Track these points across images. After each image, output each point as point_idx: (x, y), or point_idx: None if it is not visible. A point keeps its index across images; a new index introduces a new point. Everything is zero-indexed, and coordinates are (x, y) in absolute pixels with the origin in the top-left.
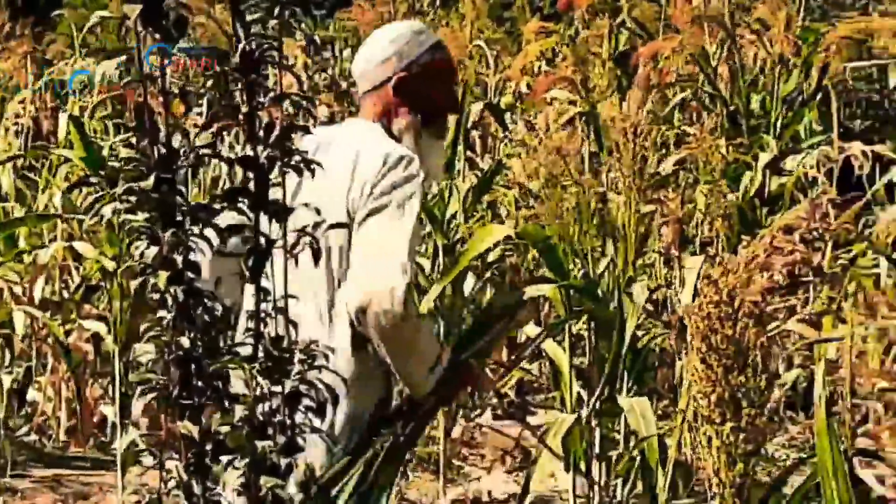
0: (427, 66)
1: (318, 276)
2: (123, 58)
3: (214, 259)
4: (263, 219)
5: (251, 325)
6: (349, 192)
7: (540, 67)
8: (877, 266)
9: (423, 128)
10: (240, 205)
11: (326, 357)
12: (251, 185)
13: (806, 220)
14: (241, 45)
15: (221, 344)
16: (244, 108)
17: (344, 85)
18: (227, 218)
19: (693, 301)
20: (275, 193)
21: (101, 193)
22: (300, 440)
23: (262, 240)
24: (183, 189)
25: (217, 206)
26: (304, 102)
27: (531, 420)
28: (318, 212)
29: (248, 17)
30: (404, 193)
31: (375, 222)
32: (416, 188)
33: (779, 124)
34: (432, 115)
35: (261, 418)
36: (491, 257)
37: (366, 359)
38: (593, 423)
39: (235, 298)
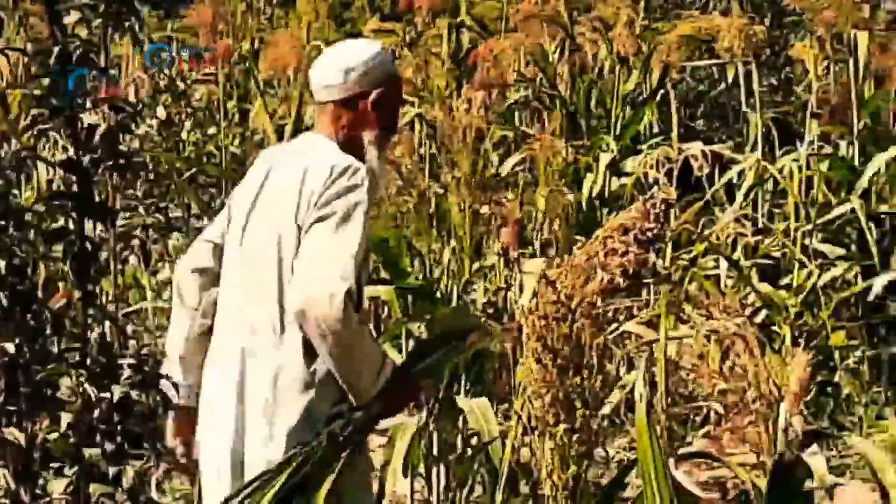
0: (395, 83)
1: (269, 284)
2: None
3: None
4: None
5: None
6: (297, 207)
7: None
8: (717, 267)
9: (383, 141)
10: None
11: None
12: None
13: (640, 221)
14: (56, 48)
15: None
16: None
17: (182, 86)
18: None
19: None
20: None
21: None
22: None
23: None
24: (15, 192)
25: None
26: (127, 107)
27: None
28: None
29: (67, 19)
30: (348, 202)
31: (319, 230)
32: (360, 197)
33: (619, 125)
34: (391, 130)
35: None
36: None
37: (318, 363)
38: (431, 426)
39: None
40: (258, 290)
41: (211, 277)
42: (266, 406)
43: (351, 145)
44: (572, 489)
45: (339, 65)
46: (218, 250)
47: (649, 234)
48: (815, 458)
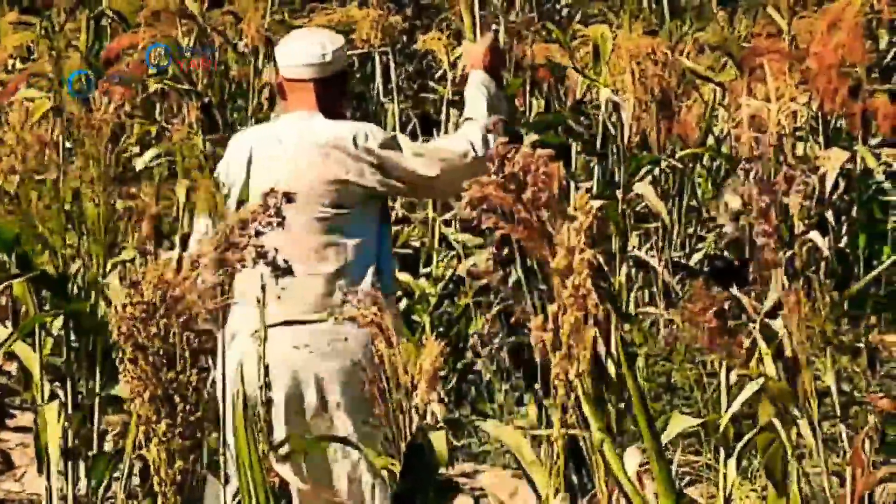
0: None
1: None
2: None
3: None
4: None
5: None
6: (331, 160)
7: (14, 65)
8: None
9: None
10: None
11: None
12: None
13: (259, 214)
14: None
15: None
16: None
17: None
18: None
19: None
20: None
21: None
22: None
23: None
24: None
25: None
26: None
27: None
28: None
29: None
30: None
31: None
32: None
33: (255, 117)
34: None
35: None
36: None
37: None
38: (65, 423)
39: None
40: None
41: None
42: None
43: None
44: (180, 483)
45: (319, 46)
46: None
47: (269, 226)
48: (437, 438)
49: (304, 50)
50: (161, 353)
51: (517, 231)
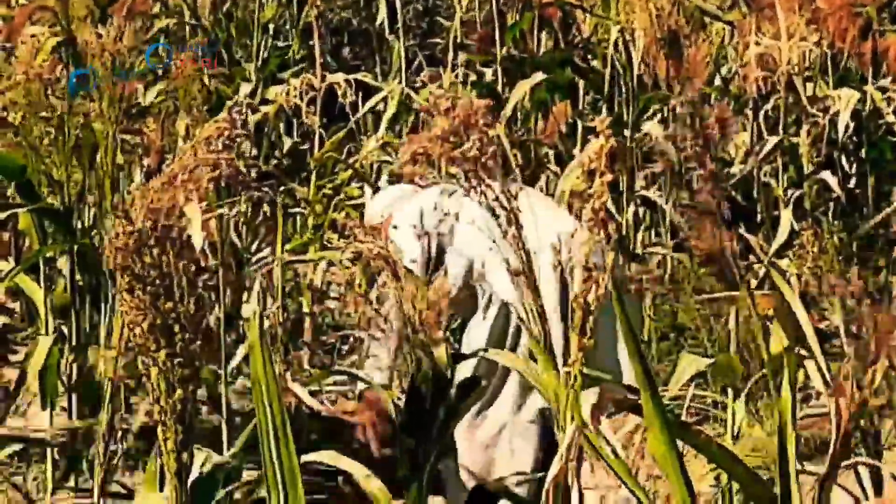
0: None
1: None
2: None
3: None
4: None
5: None
6: None
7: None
8: (362, 194)
9: None
10: None
11: None
12: None
13: (226, 129)
14: None
15: None
16: None
17: None
18: None
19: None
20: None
21: None
22: None
23: None
24: None
25: None
26: None
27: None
28: None
29: None
30: None
31: None
32: None
33: (261, 54)
34: None
35: None
36: None
37: None
38: (70, 357)
39: None
40: None
41: None
42: None
43: None
44: (180, 412)
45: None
46: None
47: (237, 140)
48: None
49: None
50: (158, 282)
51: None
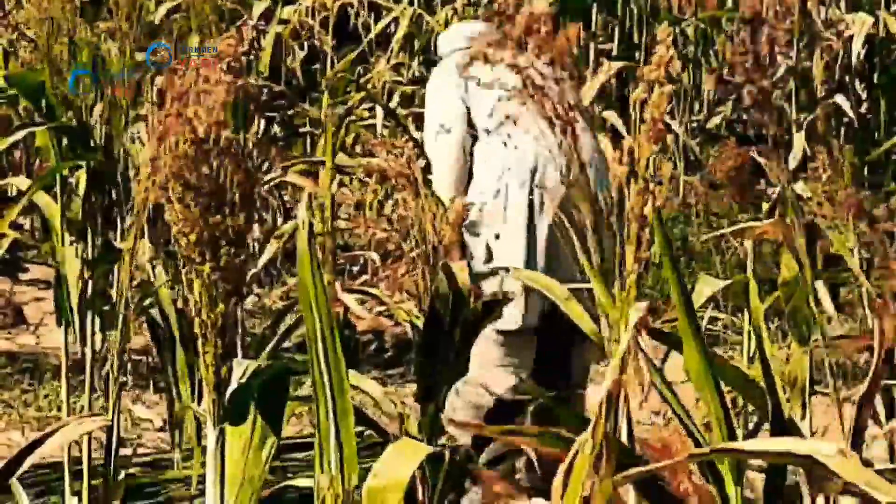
0: None
1: None
2: None
3: None
4: None
5: None
6: None
7: None
8: (373, 116)
9: None
10: None
11: None
12: None
13: (234, 47)
14: None
15: None
16: None
17: None
18: None
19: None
20: None
21: None
22: None
23: None
24: None
25: None
26: None
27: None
28: None
29: None
30: None
31: None
32: None
33: None
34: None
35: None
36: None
37: None
38: (86, 275)
39: None
40: None
41: None
42: None
43: None
44: (221, 327)
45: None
46: None
47: (242, 59)
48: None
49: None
50: (211, 194)
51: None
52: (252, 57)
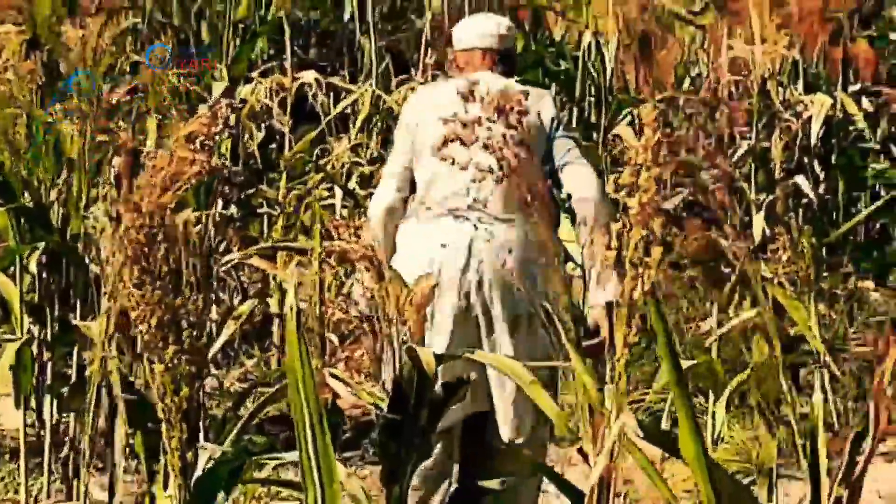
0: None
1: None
2: None
3: None
4: None
5: None
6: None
7: None
8: (332, 196)
9: None
10: None
11: None
12: None
13: (207, 126)
14: None
15: None
16: None
17: None
18: None
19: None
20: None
21: None
22: None
23: None
24: None
25: None
26: None
27: None
28: None
29: None
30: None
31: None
32: None
33: (230, 53)
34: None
35: None
36: None
37: None
38: (45, 355)
39: None
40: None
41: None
42: None
43: None
44: (185, 411)
45: (498, 23)
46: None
47: (215, 138)
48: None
49: (484, 25)
50: (169, 277)
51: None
52: (220, 136)
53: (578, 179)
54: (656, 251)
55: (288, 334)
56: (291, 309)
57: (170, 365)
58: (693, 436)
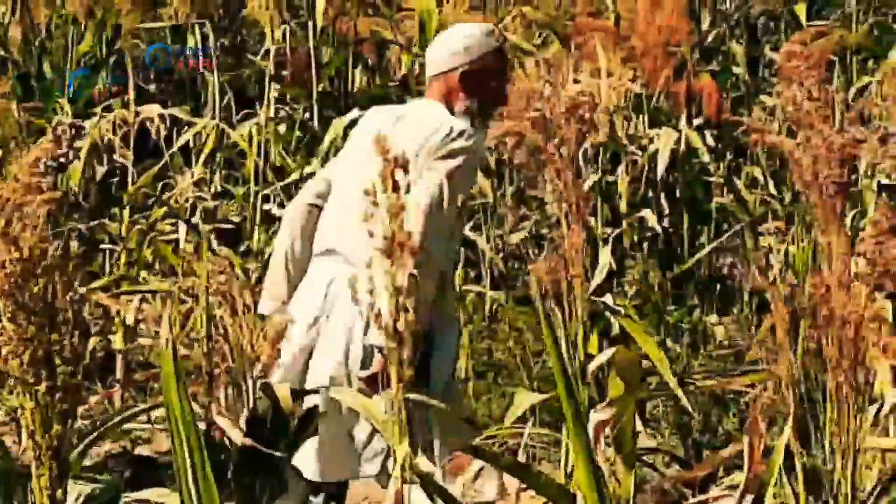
0: (487, 65)
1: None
2: None
3: None
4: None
5: None
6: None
7: None
8: (175, 231)
9: (478, 113)
10: None
11: None
12: None
13: (51, 149)
14: None
15: None
16: None
17: None
18: None
19: None
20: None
21: None
22: None
23: None
24: None
25: None
26: None
27: None
28: None
29: None
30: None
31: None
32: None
33: (73, 87)
34: (486, 106)
35: None
36: None
37: None
38: None
39: None
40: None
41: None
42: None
43: (451, 111)
44: (56, 448)
45: (440, 41)
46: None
47: (61, 160)
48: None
49: (431, 48)
50: (44, 313)
51: None
52: (66, 161)
53: None
54: (409, 281)
55: (164, 372)
56: (166, 343)
57: (41, 402)
58: (587, 470)
